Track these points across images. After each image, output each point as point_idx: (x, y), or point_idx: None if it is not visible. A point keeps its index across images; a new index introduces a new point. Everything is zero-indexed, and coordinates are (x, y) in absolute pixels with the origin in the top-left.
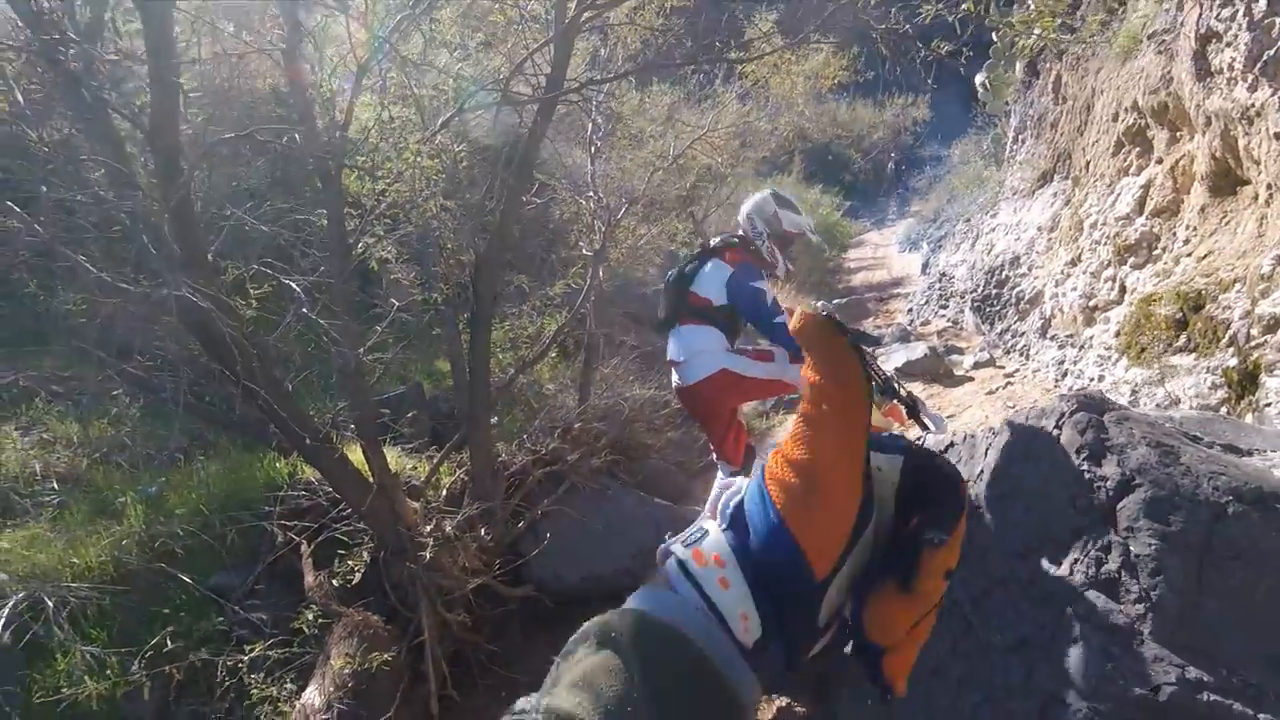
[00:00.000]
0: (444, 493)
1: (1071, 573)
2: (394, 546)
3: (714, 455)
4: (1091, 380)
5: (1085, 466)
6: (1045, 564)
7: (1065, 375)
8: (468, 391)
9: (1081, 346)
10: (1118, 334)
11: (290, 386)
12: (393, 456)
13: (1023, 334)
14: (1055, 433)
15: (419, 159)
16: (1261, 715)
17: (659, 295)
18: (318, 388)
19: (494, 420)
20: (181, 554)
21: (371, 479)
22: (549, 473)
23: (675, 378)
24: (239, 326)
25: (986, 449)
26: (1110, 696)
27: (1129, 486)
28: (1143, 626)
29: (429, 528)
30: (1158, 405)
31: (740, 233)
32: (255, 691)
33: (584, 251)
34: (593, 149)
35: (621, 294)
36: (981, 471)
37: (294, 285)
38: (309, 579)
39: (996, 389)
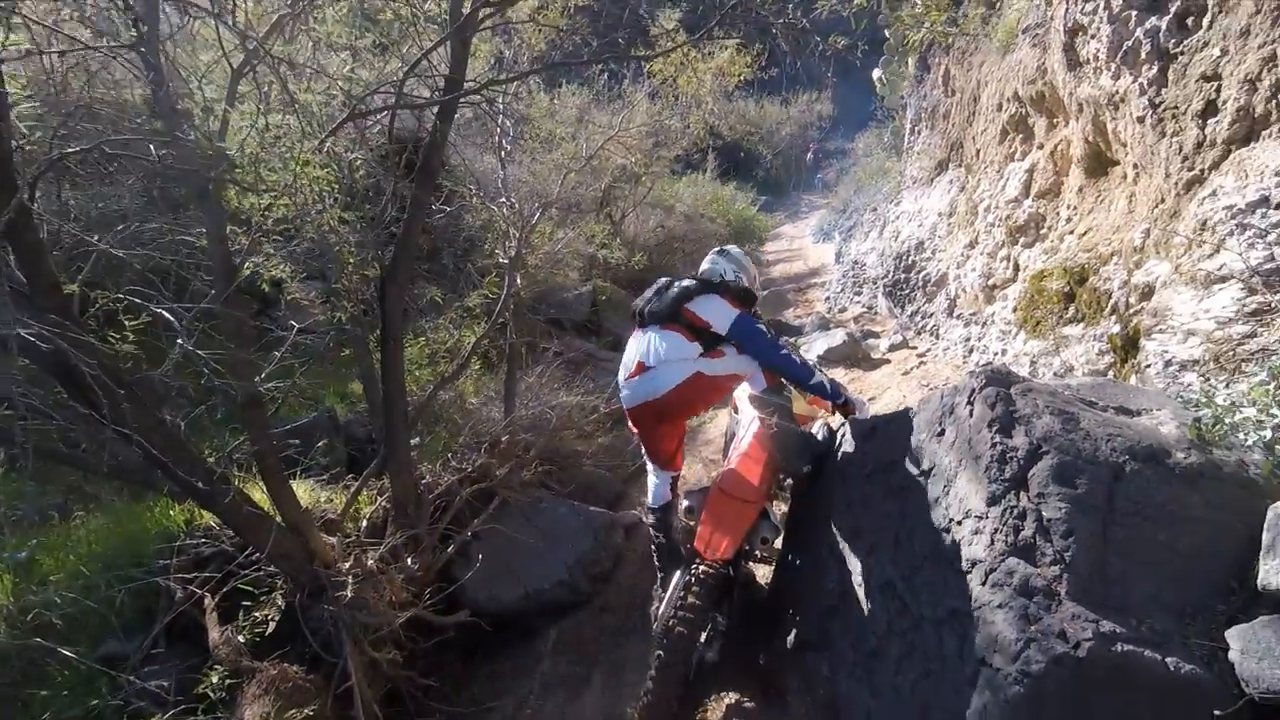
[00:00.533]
0: (364, 523)
1: (993, 542)
2: (310, 588)
3: (650, 460)
4: (996, 354)
5: (997, 439)
6: (968, 535)
7: (972, 352)
8: (383, 413)
9: (985, 323)
10: (1015, 309)
11: (181, 425)
12: (304, 490)
13: (932, 315)
14: (969, 408)
15: (308, 169)
16: (1169, 658)
17: (578, 300)
18: (214, 424)
19: (415, 441)
20: (60, 625)
21: (279, 518)
22: (478, 490)
23: (633, 389)
24: (108, 364)
25: (909, 431)
26: (1034, 658)
27: (1037, 455)
28: (1059, 587)
29: (348, 564)
30: (1055, 374)
31: (730, 279)
32: None
33: (500, 259)
34: (502, 153)
35: (542, 301)
36: (905, 452)
37: (166, 314)
38: (214, 635)
39: (911, 369)
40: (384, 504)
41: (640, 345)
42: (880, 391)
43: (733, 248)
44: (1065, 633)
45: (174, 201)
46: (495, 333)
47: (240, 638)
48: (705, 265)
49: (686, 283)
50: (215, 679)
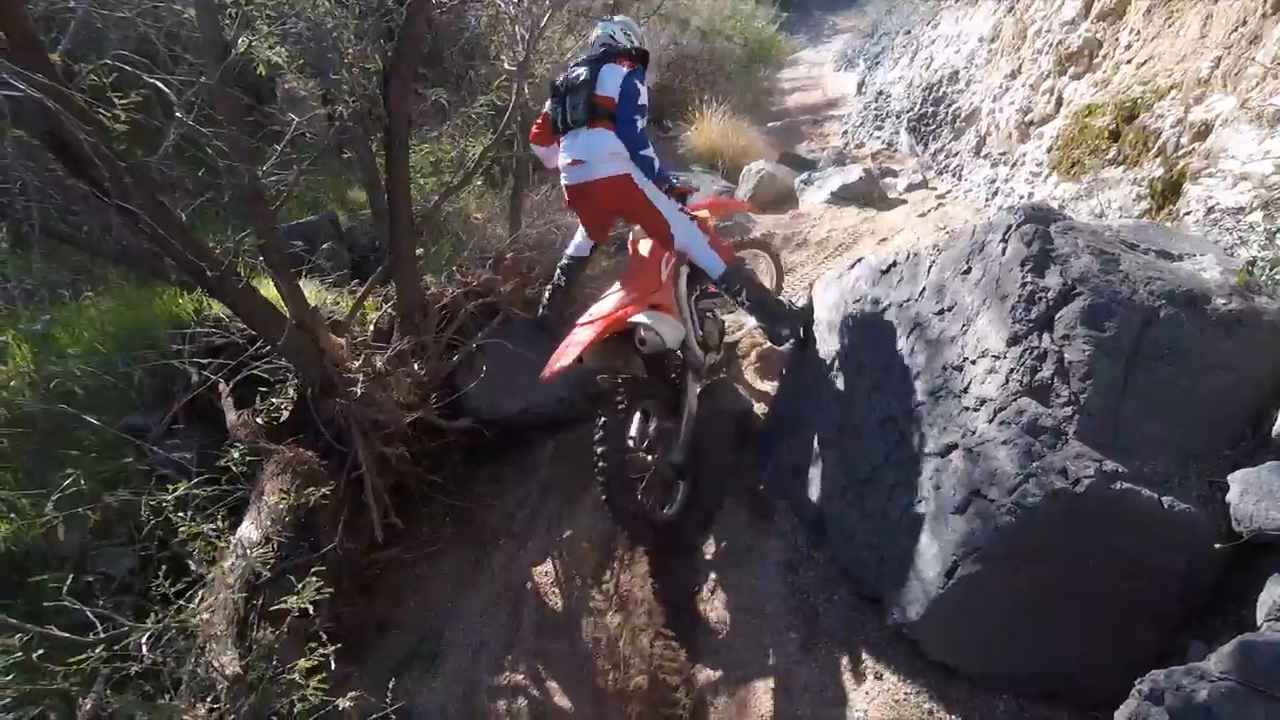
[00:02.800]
0: (371, 328)
1: (1007, 381)
2: (322, 383)
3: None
4: (1022, 198)
5: (1029, 278)
6: (981, 374)
7: (996, 194)
8: (388, 220)
9: (1014, 164)
10: (1050, 149)
11: (183, 215)
12: (311, 291)
13: (956, 154)
14: (1001, 245)
15: None
16: (1165, 498)
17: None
18: (215, 217)
19: (420, 251)
20: (82, 395)
21: (288, 314)
22: (482, 305)
23: (571, 176)
24: (101, 134)
25: (930, 266)
26: (1031, 492)
27: (1069, 296)
28: (1068, 428)
29: (358, 363)
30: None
31: (615, 43)
32: (184, 529)
33: (506, 65)
34: None
35: None
36: (924, 290)
37: (160, 85)
38: (231, 417)
39: (928, 211)
40: (390, 311)
41: (571, 146)
42: (893, 233)
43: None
44: (1066, 470)
45: None
46: (501, 145)
47: (257, 421)
48: (594, 35)
49: (585, 74)
50: (236, 454)
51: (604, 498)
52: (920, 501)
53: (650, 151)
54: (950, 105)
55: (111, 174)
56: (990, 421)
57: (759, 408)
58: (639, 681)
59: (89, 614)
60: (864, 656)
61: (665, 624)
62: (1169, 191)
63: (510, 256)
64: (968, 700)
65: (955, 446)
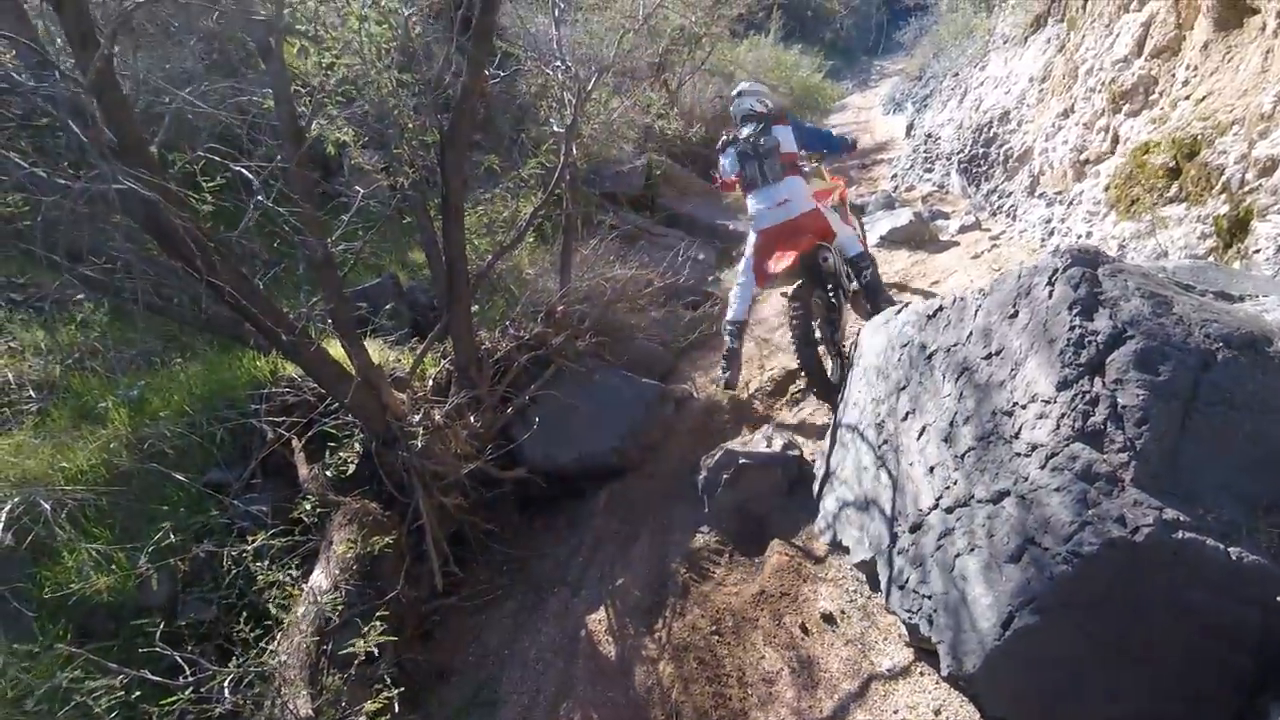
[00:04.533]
0: (430, 383)
1: (1058, 426)
2: (384, 437)
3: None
4: (1079, 237)
5: (1076, 321)
6: (1032, 419)
7: (1052, 234)
8: (445, 280)
9: (1070, 203)
10: (1108, 188)
11: (260, 284)
12: (374, 349)
13: (1010, 194)
14: (1048, 289)
15: (365, 24)
16: (1233, 548)
17: (633, 174)
18: (289, 284)
19: (474, 308)
20: (171, 454)
21: (354, 372)
22: (534, 357)
23: (775, 217)
24: (192, 218)
25: (976, 310)
26: (1087, 540)
27: (1120, 339)
28: (1124, 474)
29: (418, 417)
30: (1146, 259)
31: (761, 110)
32: (262, 578)
33: (554, 128)
34: (556, 11)
35: (597, 174)
36: (970, 334)
37: (246, 173)
38: (303, 471)
39: (982, 252)
40: (447, 366)
41: (772, 194)
42: (946, 275)
43: (741, 84)
44: (1124, 518)
45: (233, 66)
46: (551, 204)
47: (326, 474)
48: (741, 108)
49: (765, 140)
50: (308, 506)
51: (797, 357)
52: (973, 550)
53: (832, 133)
54: (1002, 145)
55: (201, 252)
56: (1043, 468)
57: (808, 452)
58: None
59: (178, 659)
60: (921, 710)
61: (718, 674)
62: (1236, 229)
63: (561, 310)
64: None
65: (1007, 494)
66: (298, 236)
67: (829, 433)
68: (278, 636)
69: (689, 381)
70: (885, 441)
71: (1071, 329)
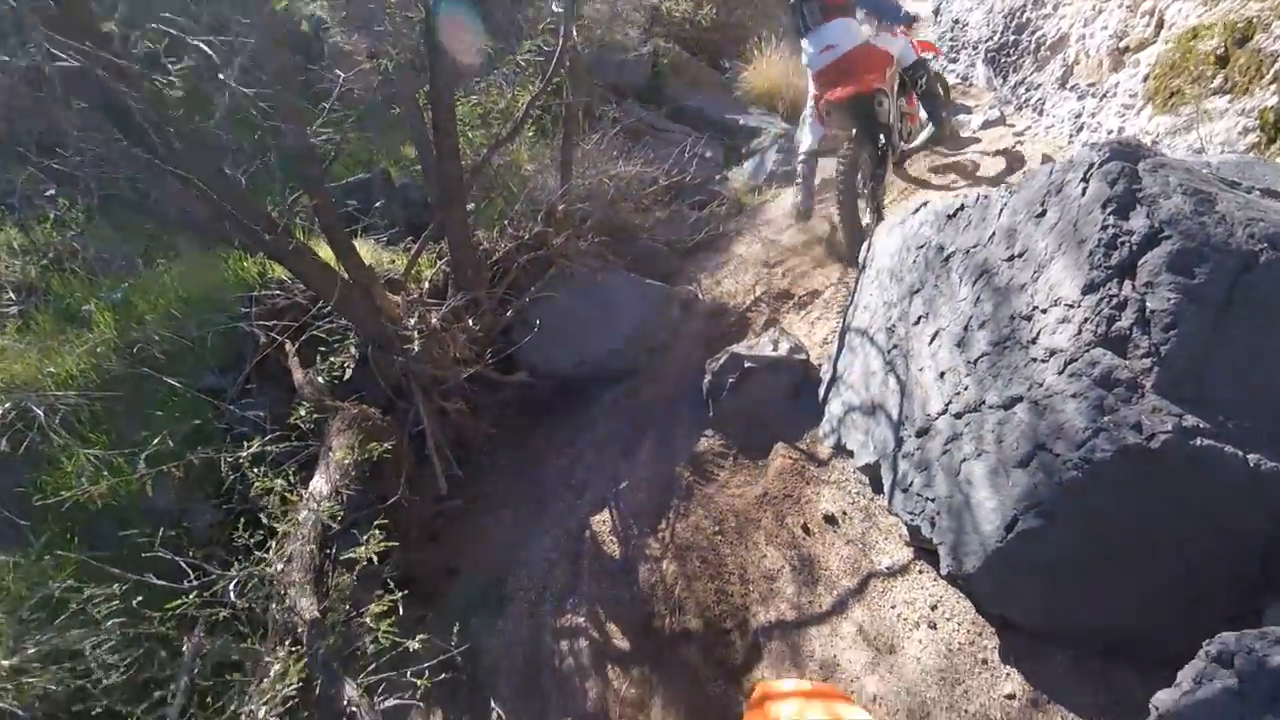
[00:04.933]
0: (425, 285)
1: (1080, 331)
2: (380, 341)
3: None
4: (1110, 133)
5: (1110, 220)
6: (1052, 324)
7: (1081, 129)
8: (437, 176)
9: (1104, 95)
10: (1146, 78)
11: (241, 179)
12: (366, 250)
13: (1039, 86)
14: (1081, 186)
15: None
16: (1252, 455)
17: (638, 63)
18: (271, 183)
19: (470, 206)
20: (162, 359)
21: (344, 273)
22: (534, 258)
23: (824, 60)
24: (153, 101)
25: (1001, 209)
26: (1100, 447)
27: (1155, 239)
28: (1145, 380)
29: (413, 320)
30: (1182, 156)
31: None
32: (258, 485)
33: (554, 6)
34: None
35: (600, 64)
36: (993, 235)
37: (210, 51)
38: (298, 376)
39: (1004, 149)
40: (443, 267)
41: (822, 36)
42: (965, 173)
43: None
44: (1141, 425)
45: None
46: (550, 94)
47: (321, 380)
48: None
49: None
50: (303, 412)
51: (838, 205)
52: (980, 455)
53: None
54: (1034, 32)
55: (163, 140)
56: (1060, 373)
57: (815, 357)
58: (695, 625)
59: (182, 564)
60: (918, 606)
61: (720, 571)
62: None
63: (562, 209)
64: (1025, 652)
65: (1020, 399)
66: (268, 123)
67: (837, 336)
68: (280, 542)
69: (694, 283)
70: (895, 346)
71: (1104, 228)
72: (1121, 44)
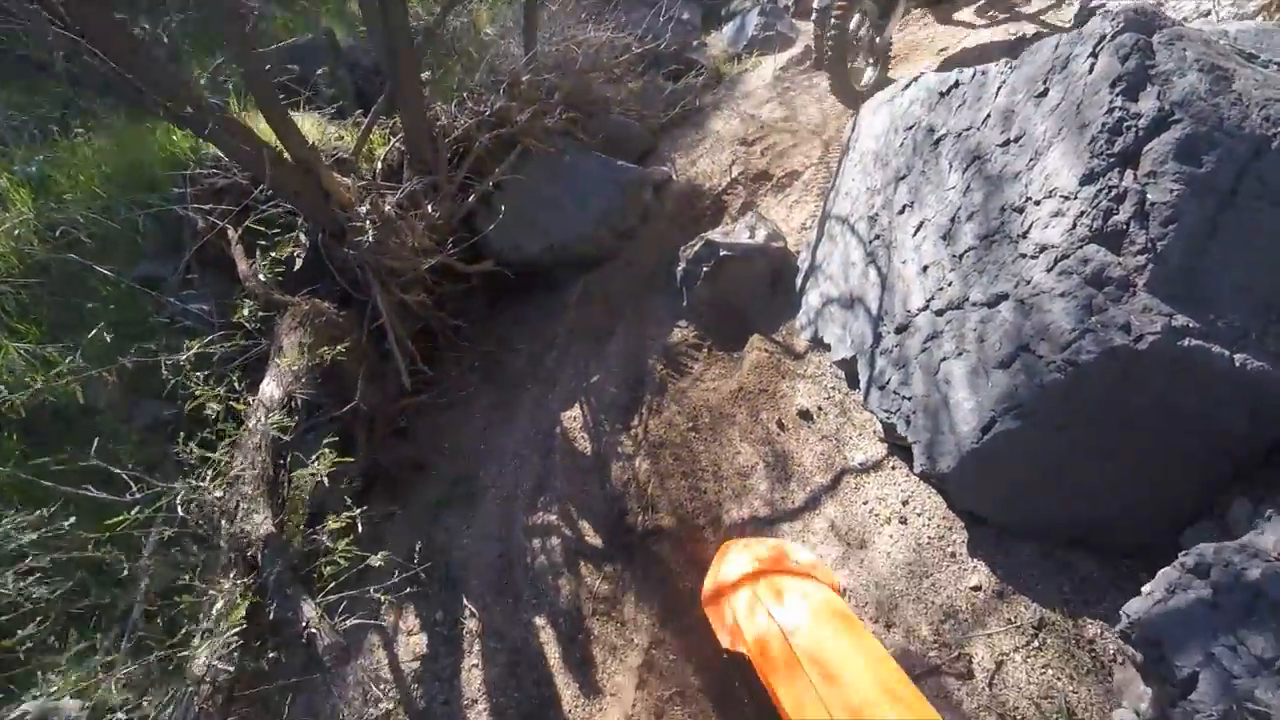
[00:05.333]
0: (379, 165)
1: (1074, 226)
2: (330, 229)
3: None
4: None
5: (1118, 102)
6: (1045, 217)
7: None
8: (384, 42)
9: None
10: None
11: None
12: (311, 125)
13: None
14: (1089, 62)
15: None
16: (1238, 355)
17: None
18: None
19: (425, 75)
20: (90, 243)
21: (285, 153)
22: (497, 136)
23: None
24: None
25: (999, 87)
26: (1086, 348)
27: (1164, 123)
28: (1138, 279)
29: (366, 207)
30: (1184, 19)
31: None
32: (200, 393)
33: None
34: None
35: None
36: (988, 116)
37: None
38: (242, 268)
39: (1000, 18)
40: (398, 145)
41: None
42: (956, 41)
43: None
44: (1130, 325)
45: None
46: None
47: (270, 271)
48: None
49: None
50: (246, 310)
51: (826, 61)
52: (961, 354)
53: None
54: None
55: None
56: (1049, 270)
57: (793, 244)
58: (668, 523)
59: (124, 476)
60: (889, 502)
61: (693, 469)
62: None
63: (526, 80)
64: (992, 545)
65: (1006, 297)
66: None
67: (816, 222)
68: (230, 452)
69: (669, 162)
70: (878, 236)
71: (1110, 111)
72: None
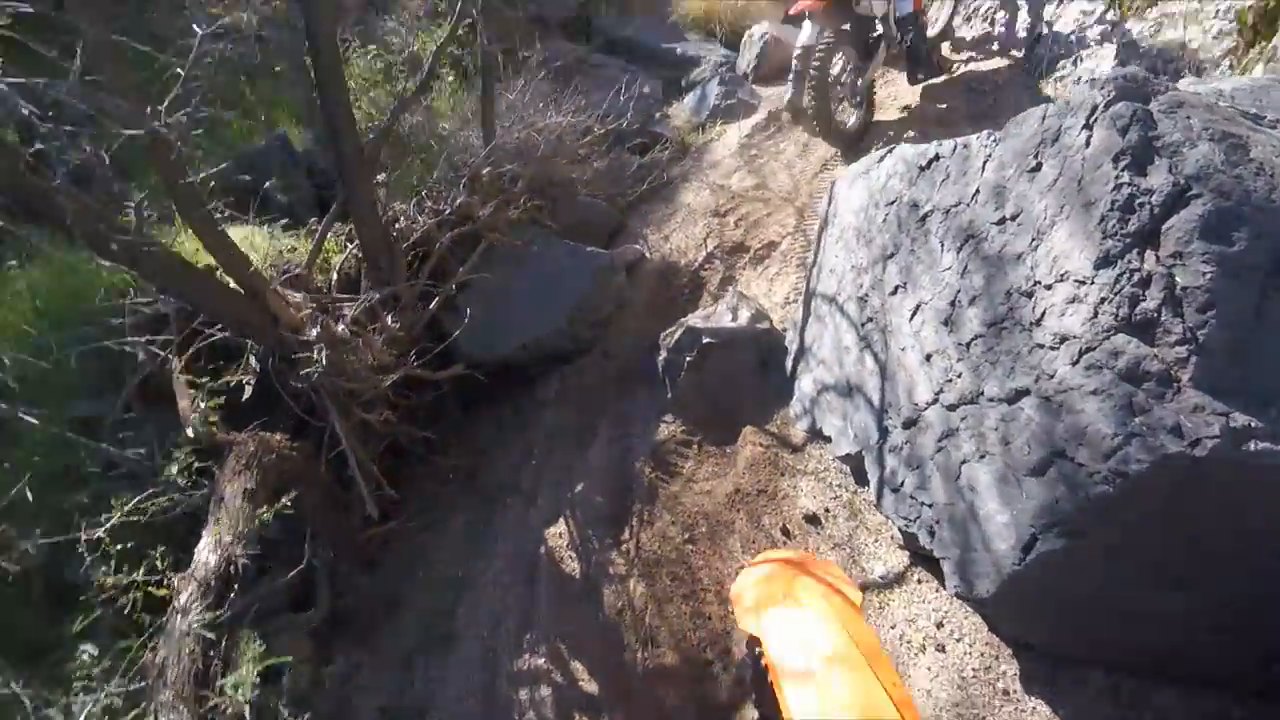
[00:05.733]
0: (336, 275)
1: (1096, 314)
2: (281, 353)
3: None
4: (1070, 36)
5: (1125, 177)
6: (1060, 304)
7: (1038, 40)
8: (334, 149)
9: (1060, 3)
10: None
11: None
12: (261, 238)
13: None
14: (1084, 135)
15: None
16: None
17: None
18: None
19: (381, 177)
20: (15, 388)
21: (229, 278)
22: (460, 235)
23: None
24: None
25: (985, 161)
26: (1134, 457)
27: (1182, 199)
28: (1181, 373)
29: (316, 331)
30: (1151, 69)
31: None
32: (111, 582)
33: None
34: None
35: None
36: (977, 192)
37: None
38: (183, 404)
39: (955, 66)
40: (355, 252)
41: None
42: (916, 95)
43: None
44: (1181, 427)
45: None
46: (465, 36)
47: (215, 404)
48: None
49: None
50: (176, 468)
51: (810, 101)
52: (984, 457)
53: None
54: None
55: None
56: (1074, 364)
57: (778, 321)
58: (671, 659)
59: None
60: (921, 624)
61: (694, 589)
62: (1261, 24)
63: (487, 173)
64: (1050, 679)
65: (1027, 393)
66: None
67: (801, 299)
68: (155, 642)
69: (641, 240)
70: (870, 319)
71: (1117, 188)
72: None
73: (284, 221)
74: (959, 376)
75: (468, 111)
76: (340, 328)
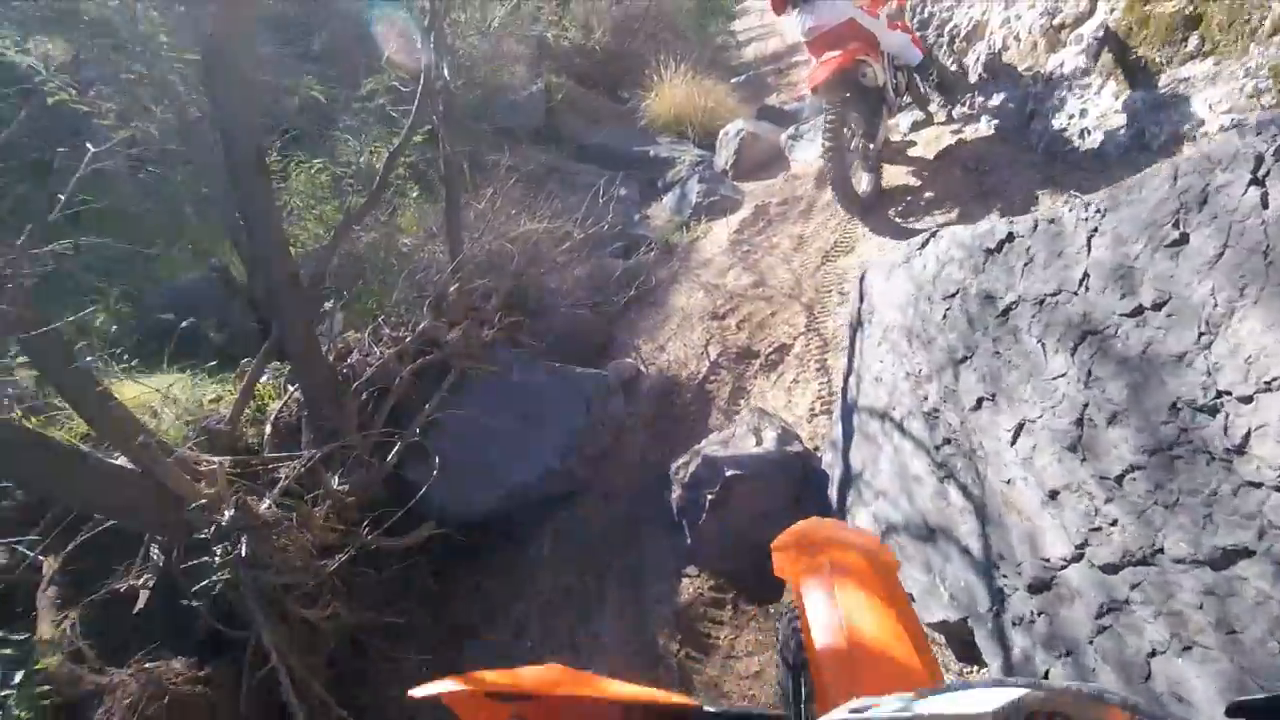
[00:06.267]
0: (269, 428)
1: None
2: (188, 543)
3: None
4: (1072, 117)
5: None
6: (1274, 422)
7: (1032, 117)
8: (262, 281)
9: (1048, 80)
10: (1097, 54)
11: None
12: (182, 388)
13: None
14: (1256, 191)
15: None
16: None
17: (530, 101)
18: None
19: (328, 305)
20: None
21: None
22: (424, 364)
23: (810, 35)
24: None
25: (1090, 236)
26: None
27: None
28: None
29: (231, 511)
30: (1180, 134)
31: None
32: None
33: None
34: None
35: (488, 107)
36: (1085, 276)
37: None
38: (43, 628)
39: (948, 147)
40: (296, 396)
41: (805, 16)
42: (916, 185)
43: None
44: None
45: None
46: (424, 144)
47: (79, 623)
48: None
49: None
50: (40, 699)
51: (827, 169)
52: (1190, 648)
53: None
54: (942, 25)
55: None
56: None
57: (807, 438)
58: None
59: None
60: None
61: None
62: None
63: (454, 289)
64: None
65: (1249, 553)
66: None
67: (838, 414)
68: None
69: (633, 353)
70: (948, 441)
71: None
72: (1055, 21)
73: (212, 364)
74: (1115, 525)
75: (432, 225)
76: (266, 504)
